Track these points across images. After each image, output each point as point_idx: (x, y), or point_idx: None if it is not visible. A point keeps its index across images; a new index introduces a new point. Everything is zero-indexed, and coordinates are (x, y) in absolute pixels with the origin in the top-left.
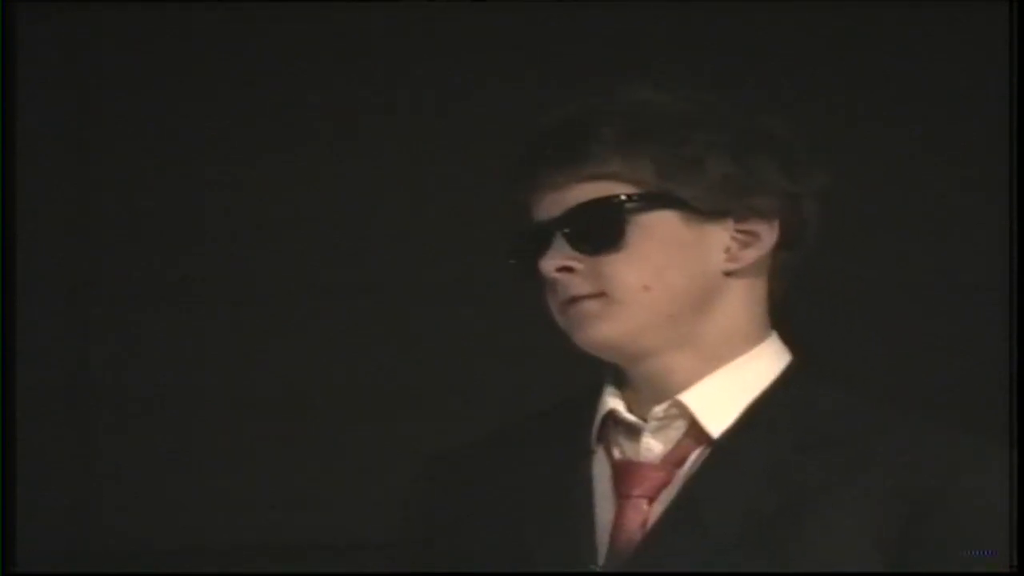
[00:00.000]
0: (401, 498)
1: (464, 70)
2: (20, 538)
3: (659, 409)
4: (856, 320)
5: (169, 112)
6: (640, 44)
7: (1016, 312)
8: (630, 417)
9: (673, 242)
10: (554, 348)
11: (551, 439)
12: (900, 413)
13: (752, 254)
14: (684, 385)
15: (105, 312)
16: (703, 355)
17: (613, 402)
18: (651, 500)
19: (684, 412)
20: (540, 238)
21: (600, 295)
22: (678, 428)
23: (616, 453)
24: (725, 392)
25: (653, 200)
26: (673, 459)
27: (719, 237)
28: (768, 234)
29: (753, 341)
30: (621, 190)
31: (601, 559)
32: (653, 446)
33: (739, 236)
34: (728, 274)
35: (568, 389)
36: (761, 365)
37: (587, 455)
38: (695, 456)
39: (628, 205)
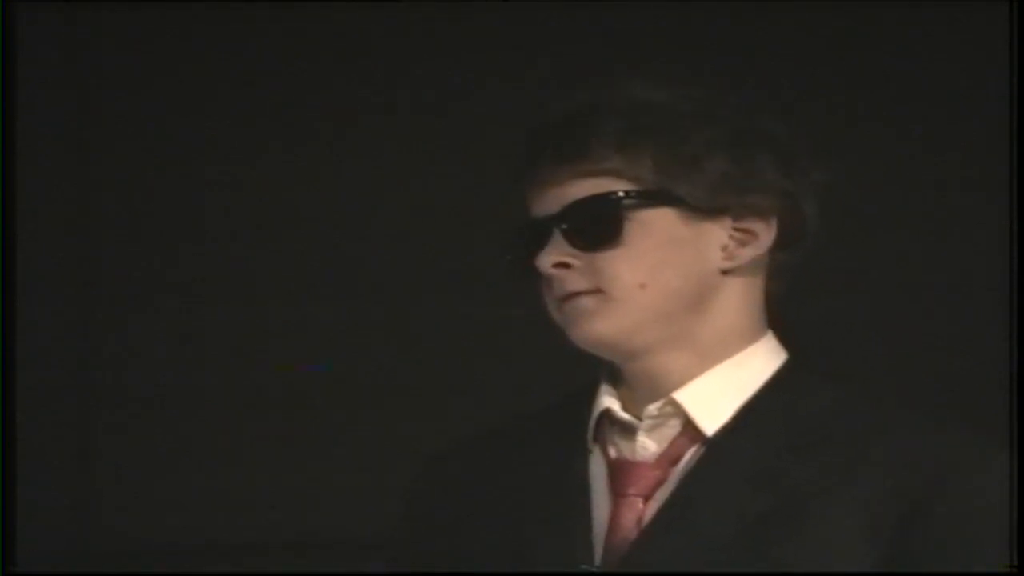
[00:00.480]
0: (400, 497)
1: (464, 70)
2: (20, 538)
3: (653, 407)
4: (855, 320)
5: (169, 112)
6: (640, 43)
7: (1016, 312)
8: (625, 416)
9: (670, 240)
10: (554, 347)
11: (547, 438)
12: (898, 412)
13: (749, 253)
14: (679, 383)
15: (105, 312)
16: (699, 353)
17: (608, 401)
18: (647, 499)
19: (678, 410)
20: (538, 234)
21: (596, 292)
22: (673, 427)
23: (612, 452)
24: (720, 391)
25: (651, 197)
26: (668, 457)
27: (717, 235)
28: (766, 233)
29: (749, 340)
30: (619, 187)
31: (597, 557)
32: (648, 445)
33: (737, 234)
34: (725, 272)
35: (567, 388)
36: (756, 364)
37: (583, 454)
38: (690, 454)
39: (626, 202)
